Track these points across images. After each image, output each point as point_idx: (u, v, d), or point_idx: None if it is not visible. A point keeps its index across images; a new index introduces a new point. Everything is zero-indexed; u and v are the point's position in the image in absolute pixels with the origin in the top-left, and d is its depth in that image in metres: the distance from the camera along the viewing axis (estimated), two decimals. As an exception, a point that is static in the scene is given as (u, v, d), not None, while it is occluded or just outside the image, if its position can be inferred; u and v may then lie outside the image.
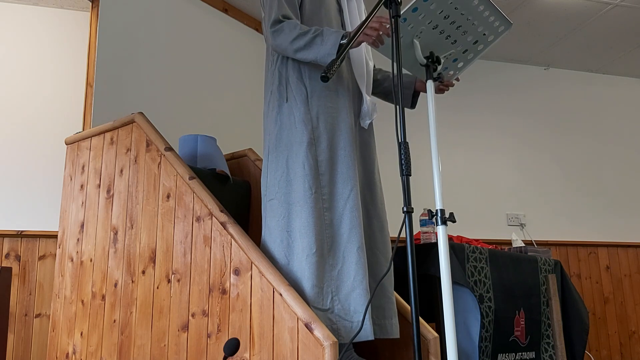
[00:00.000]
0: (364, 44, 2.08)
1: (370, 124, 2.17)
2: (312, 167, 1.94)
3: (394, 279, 2.22)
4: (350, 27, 2.16)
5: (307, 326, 1.70)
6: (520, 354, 2.75)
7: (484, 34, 1.93)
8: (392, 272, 2.10)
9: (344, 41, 1.84)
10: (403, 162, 1.60)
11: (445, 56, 1.93)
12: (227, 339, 1.90)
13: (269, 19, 2.02)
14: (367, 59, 2.16)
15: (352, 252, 1.89)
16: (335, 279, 1.88)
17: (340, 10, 2.18)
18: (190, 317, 2.04)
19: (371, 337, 1.83)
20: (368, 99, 2.11)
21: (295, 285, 1.87)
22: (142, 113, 2.44)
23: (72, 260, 2.54)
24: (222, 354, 1.91)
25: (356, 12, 2.20)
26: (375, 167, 2.15)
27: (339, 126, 2.01)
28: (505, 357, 2.66)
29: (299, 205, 1.92)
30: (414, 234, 2.62)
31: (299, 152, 1.96)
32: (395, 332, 2.01)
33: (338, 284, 1.88)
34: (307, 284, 1.84)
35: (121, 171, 2.43)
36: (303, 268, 1.86)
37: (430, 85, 1.80)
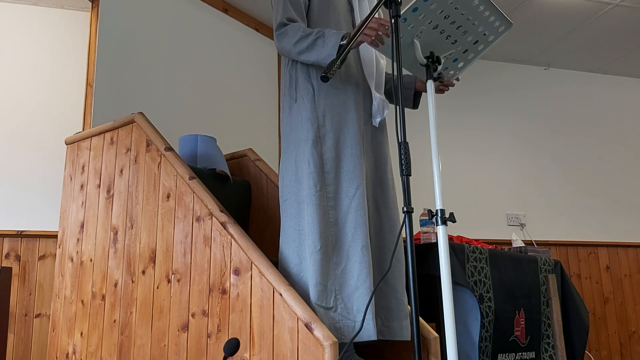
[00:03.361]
0: None
1: (383, 123, 2.17)
2: (317, 165, 1.94)
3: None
4: None
5: (307, 326, 1.70)
6: (520, 354, 2.75)
7: (484, 34, 1.93)
8: (404, 274, 2.08)
9: (344, 42, 1.84)
10: (403, 162, 1.60)
11: (445, 56, 1.93)
12: (227, 339, 1.90)
13: (275, 22, 2.03)
14: (378, 57, 2.16)
15: (356, 251, 1.89)
16: (339, 278, 1.88)
17: (351, 10, 2.18)
18: (190, 317, 2.04)
19: (374, 338, 1.82)
20: (378, 96, 2.11)
21: (302, 283, 1.87)
22: (142, 113, 2.44)
23: (72, 260, 2.54)
24: (222, 354, 1.91)
25: (367, 12, 2.19)
26: (388, 166, 2.15)
27: (346, 124, 2.01)
28: (505, 357, 2.65)
29: (305, 204, 1.93)
30: (414, 234, 2.62)
31: (304, 150, 1.97)
32: (406, 335, 2.00)
33: (341, 282, 1.87)
34: (311, 282, 1.84)
35: (121, 171, 2.43)
36: (308, 265, 1.87)
37: (430, 85, 1.80)
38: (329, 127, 1.99)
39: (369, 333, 1.82)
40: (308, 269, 1.87)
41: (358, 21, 2.16)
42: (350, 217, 1.92)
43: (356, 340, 1.82)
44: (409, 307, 2.11)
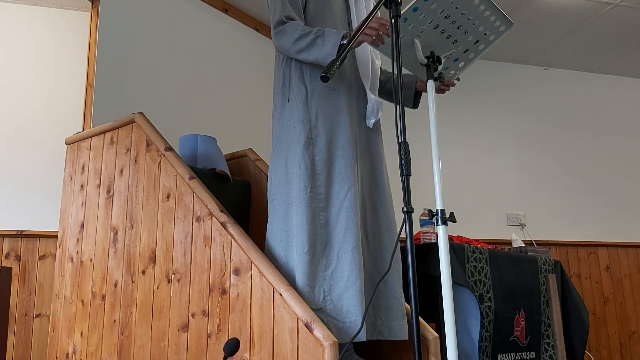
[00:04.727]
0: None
1: (377, 123, 2.16)
2: (308, 167, 1.94)
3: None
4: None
5: (307, 326, 1.70)
6: (520, 354, 2.75)
7: (485, 34, 1.93)
8: (401, 273, 2.08)
9: (345, 41, 1.84)
10: (403, 162, 1.60)
11: (446, 56, 1.93)
12: (227, 339, 1.90)
13: (273, 21, 2.02)
14: (373, 57, 2.15)
15: (347, 252, 1.89)
16: (328, 279, 1.87)
17: (348, 9, 2.18)
18: (190, 317, 2.04)
19: (363, 339, 1.82)
20: (373, 97, 2.11)
21: (290, 284, 1.87)
22: (142, 113, 2.44)
23: (72, 260, 2.54)
24: (222, 354, 1.91)
25: (364, 11, 2.19)
26: (383, 166, 2.14)
27: (338, 126, 2.01)
28: (505, 357, 2.65)
29: (295, 205, 1.92)
30: (414, 234, 2.62)
31: (296, 152, 1.96)
32: (403, 334, 2.00)
33: (331, 283, 1.87)
34: (299, 283, 1.84)
35: (121, 171, 2.43)
36: (295, 267, 1.87)
37: (430, 85, 1.80)
38: (321, 128, 1.99)
39: (360, 334, 1.82)
40: (296, 270, 1.87)
41: (354, 20, 2.16)
42: (342, 219, 1.92)
43: (346, 341, 1.82)
44: (409, 307, 2.11)
